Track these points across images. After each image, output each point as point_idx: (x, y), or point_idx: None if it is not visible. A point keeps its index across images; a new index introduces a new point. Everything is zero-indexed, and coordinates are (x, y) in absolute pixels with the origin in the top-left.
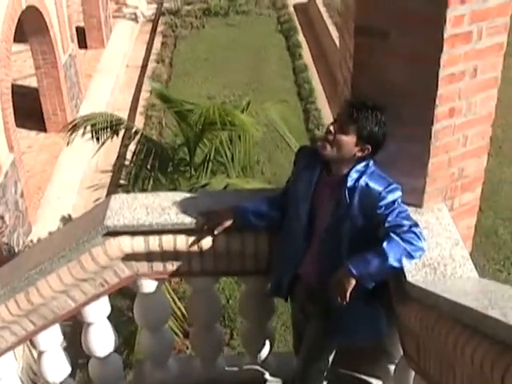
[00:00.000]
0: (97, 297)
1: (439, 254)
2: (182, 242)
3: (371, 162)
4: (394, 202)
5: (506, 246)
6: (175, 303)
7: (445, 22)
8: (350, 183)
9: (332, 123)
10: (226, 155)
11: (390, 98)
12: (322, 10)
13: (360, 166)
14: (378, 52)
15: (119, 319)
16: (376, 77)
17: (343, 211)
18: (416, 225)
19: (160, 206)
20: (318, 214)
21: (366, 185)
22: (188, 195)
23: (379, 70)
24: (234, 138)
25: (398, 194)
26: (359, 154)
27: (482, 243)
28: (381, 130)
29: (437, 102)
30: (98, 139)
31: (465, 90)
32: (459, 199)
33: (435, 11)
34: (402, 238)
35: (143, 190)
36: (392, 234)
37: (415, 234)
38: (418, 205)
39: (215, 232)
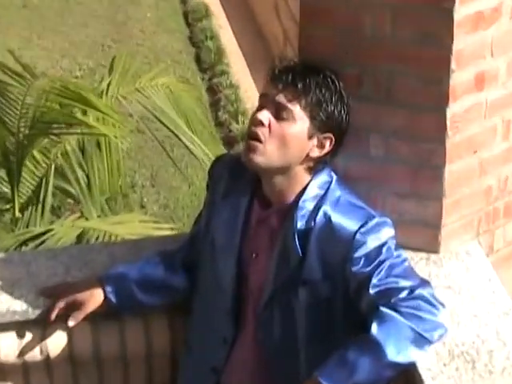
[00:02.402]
0: None
1: (477, 333)
2: (10, 346)
3: (334, 178)
4: (380, 248)
5: None
6: None
7: None
8: (301, 221)
9: (261, 108)
10: (78, 179)
11: (367, 61)
12: None
13: (317, 186)
14: None
15: None
16: (340, 25)
17: (294, 270)
18: (425, 284)
19: None
20: (250, 275)
21: (329, 220)
22: (17, 257)
23: (347, 14)
24: (87, 147)
25: (388, 233)
26: (316, 154)
27: None
28: (344, 107)
29: (452, 63)
30: None
31: (500, 40)
32: (503, 232)
33: None
34: (401, 313)
35: None
36: (384, 309)
37: (426, 300)
38: (431, 248)
39: (70, 323)
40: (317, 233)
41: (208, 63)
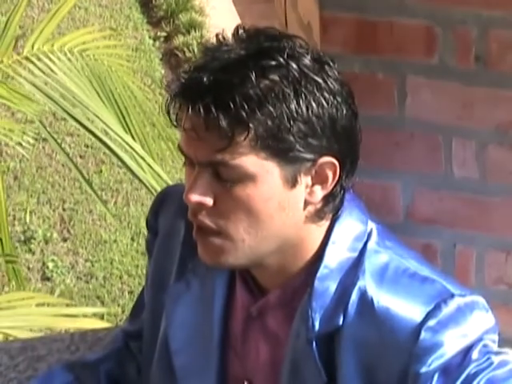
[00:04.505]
0: None
1: None
2: None
3: (374, 229)
4: (467, 352)
5: None
6: None
7: None
8: (320, 316)
9: (189, 175)
10: None
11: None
12: None
13: (342, 245)
14: None
15: None
16: None
17: None
18: None
19: None
20: None
21: (371, 307)
22: None
23: None
24: None
25: (480, 323)
26: (320, 194)
27: None
28: (332, 98)
29: None
30: None
31: None
32: None
33: None
34: None
35: None
36: None
37: None
38: None
39: None
40: (350, 334)
41: (164, 9)
